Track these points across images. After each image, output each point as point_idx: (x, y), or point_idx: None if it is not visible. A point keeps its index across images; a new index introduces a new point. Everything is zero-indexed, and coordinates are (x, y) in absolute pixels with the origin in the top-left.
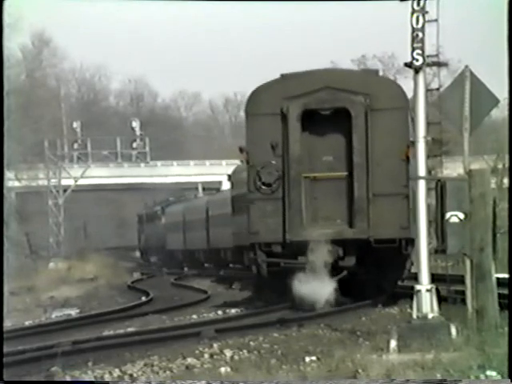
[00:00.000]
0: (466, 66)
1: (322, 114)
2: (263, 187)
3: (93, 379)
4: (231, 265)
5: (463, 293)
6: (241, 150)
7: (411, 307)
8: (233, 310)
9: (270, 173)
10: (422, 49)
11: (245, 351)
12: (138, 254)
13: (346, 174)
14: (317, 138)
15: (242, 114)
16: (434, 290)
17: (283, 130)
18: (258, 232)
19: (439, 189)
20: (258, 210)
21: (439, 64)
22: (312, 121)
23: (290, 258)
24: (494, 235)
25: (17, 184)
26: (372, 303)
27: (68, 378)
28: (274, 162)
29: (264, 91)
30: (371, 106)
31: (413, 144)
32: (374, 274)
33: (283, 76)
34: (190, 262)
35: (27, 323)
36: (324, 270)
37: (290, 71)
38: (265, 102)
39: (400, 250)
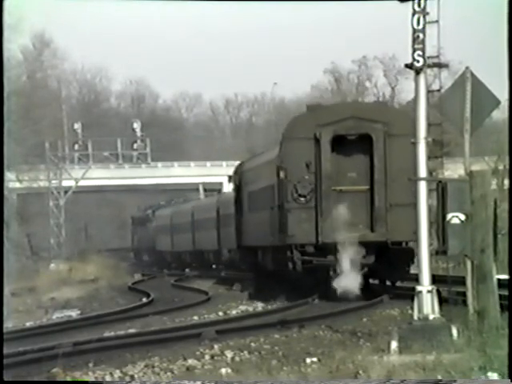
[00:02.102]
0: (467, 68)
1: (348, 139)
2: (299, 198)
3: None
4: (214, 266)
5: (464, 294)
6: (280, 167)
7: (412, 308)
8: (234, 311)
9: (304, 186)
10: (423, 50)
11: (246, 352)
12: (131, 254)
13: (367, 187)
14: (343, 158)
15: (243, 115)
16: (434, 291)
17: (316, 151)
18: (294, 235)
19: (440, 190)
20: (294, 217)
21: (440, 65)
22: (340, 144)
23: (320, 256)
24: (495, 236)
25: (18, 185)
26: (374, 303)
27: (69, 379)
28: (307, 177)
29: (300, 120)
30: (388, 132)
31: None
32: (388, 269)
33: (313, 107)
34: (177, 262)
35: (28, 324)
36: (349, 266)
37: (316, 102)
38: (300, 128)
39: (411, 250)
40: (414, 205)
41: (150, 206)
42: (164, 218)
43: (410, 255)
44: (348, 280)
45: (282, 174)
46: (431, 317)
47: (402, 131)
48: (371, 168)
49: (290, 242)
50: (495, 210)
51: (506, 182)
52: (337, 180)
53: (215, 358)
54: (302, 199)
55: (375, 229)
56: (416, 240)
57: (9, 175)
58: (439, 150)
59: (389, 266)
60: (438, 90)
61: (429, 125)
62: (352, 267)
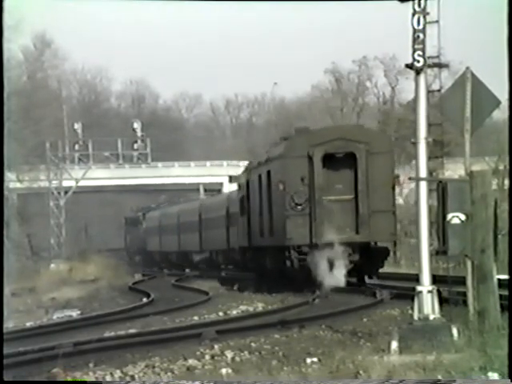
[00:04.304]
0: (467, 68)
1: (336, 156)
2: (296, 207)
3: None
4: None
5: (464, 294)
6: (280, 181)
7: (412, 308)
8: (234, 312)
9: (300, 196)
10: (423, 50)
11: (246, 352)
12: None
13: (352, 197)
14: (332, 172)
15: (243, 115)
16: (435, 292)
17: (309, 167)
18: (292, 238)
19: (440, 190)
20: (292, 223)
21: (440, 65)
22: (329, 161)
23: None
24: (496, 236)
25: (18, 185)
26: (374, 303)
27: (69, 379)
28: (302, 189)
29: (295, 141)
30: (369, 151)
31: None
32: (369, 265)
33: (301, 129)
34: (165, 262)
35: (28, 324)
36: (338, 262)
37: (305, 125)
38: (296, 148)
39: (387, 249)
40: (391, 211)
41: (142, 208)
42: (153, 220)
43: (386, 253)
44: (337, 274)
45: (281, 187)
46: (431, 317)
47: (380, 149)
48: (355, 180)
49: (288, 243)
50: (495, 210)
51: (507, 182)
52: (327, 191)
53: (215, 358)
54: (299, 207)
55: (360, 231)
56: (393, 240)
57: (9, 175)
58: (439, 150)
59: (370, 262)
60: (439, 90)
61: (429, 125)
62: (340, 263)
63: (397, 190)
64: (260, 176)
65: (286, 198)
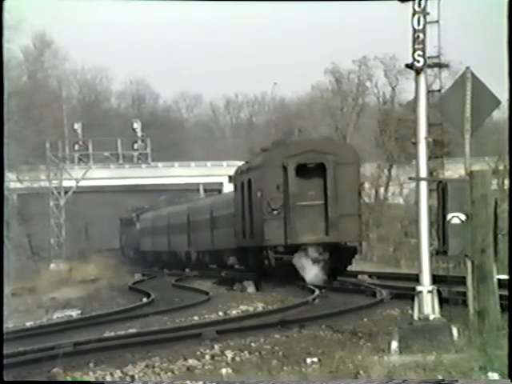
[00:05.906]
0: (468, 68)
1: (308, 166)
2: (272, 211)
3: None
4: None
5: (465, 294)
6: (258, 189)
7: (412, 308)
8: (234, 311)
9: (276, 202)
10: (424, 50)
11: (246, 352)
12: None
13: (322, 202)
14: (305, 181)
15: (243, 115)
16: (435, 292)
17: (284, 176)
18: (269, 239)
19: (440, 190)
20: (269, 225)
21: (440, 65)
22: (302, 170)
23: (289, 254)
24: (496, 236)
25: (18, 185)
26: (374, 303)
27: (69, 379)
28: (277, 195)
29: (271, 153)
30: (337, 162)
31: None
32: (337, 262)
33: (279, 142)
34: (158, 262)
35: (28, 324)
36: (310, 260)
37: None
38: (272, 159)
39: (355, 248)
40: (357, 215)
41: (136, 209)
42: (146, 221)
43: (354, 252)
44: (309, 271)
45: (259, 194)
46: (432, 317)
47: (347, 160)
48: (325, 188)
49: (266, 244)
50: (495, 210)
51: (507, 182)
52: (300, 197)
53: (215, 358)
54: (275, 212)
55: (329, 233)
56: (358, 240)
57: (9, 175)
58: (440, 150)
59: (339, 260)
60: (439, 90)
61: (429, 125)
62: (312, 262)
63: (397, 189)
64: (243, 184)
65: (264, 204)
